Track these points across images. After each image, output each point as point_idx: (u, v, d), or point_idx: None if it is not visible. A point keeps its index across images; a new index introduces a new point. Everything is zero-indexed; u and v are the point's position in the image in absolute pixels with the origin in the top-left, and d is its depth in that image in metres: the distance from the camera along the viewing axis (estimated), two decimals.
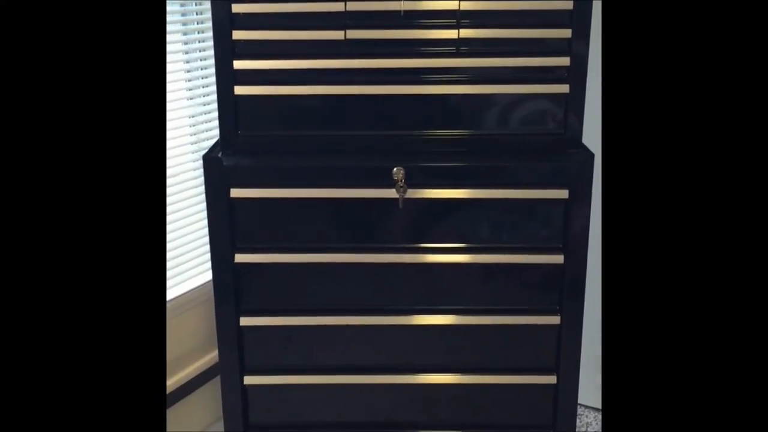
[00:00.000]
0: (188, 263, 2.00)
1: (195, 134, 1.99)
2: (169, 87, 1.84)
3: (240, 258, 1.50)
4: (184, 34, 1.92)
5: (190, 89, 1.96)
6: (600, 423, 2.18)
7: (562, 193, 1.45)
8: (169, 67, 1.84)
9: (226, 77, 1.44)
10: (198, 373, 2.02)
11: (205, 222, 1.50)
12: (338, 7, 1.40)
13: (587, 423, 2.19)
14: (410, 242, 1.51)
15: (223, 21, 1.41)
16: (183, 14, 1.91)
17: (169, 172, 1.85)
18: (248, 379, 1.59)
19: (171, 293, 1.93)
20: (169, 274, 1.92)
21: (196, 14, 1.96)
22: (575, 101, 1.45)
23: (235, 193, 1.46)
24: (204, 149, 1.55)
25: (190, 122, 1.97)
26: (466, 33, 1.41)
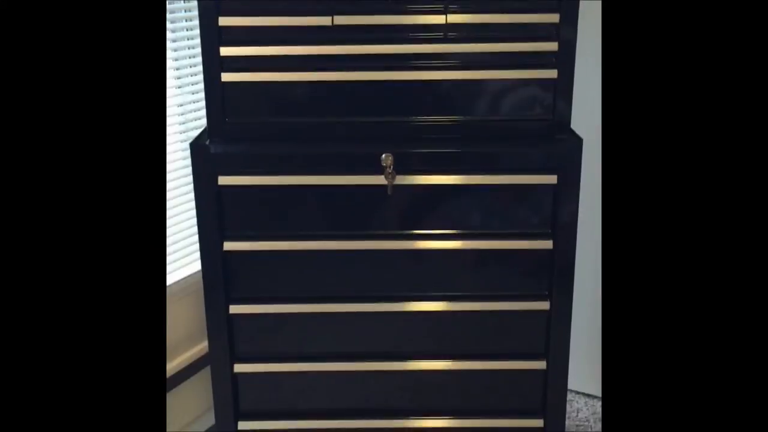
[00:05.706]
0: (177, 253, 1.99)
1: (184, 123, 1.97)
2: None
3: (229, 246, 1.50)
4: (172, 22, 1.90)
5: (179, 77, 1.94)
6: (590, 408, 2.19)
7: (551, 179, 1.45)
8: None
9: (212, 64, 1.44)
10: (188, 363, 2.01)
11: (195, 211, 1.49)
12: None
13: (577, 409, 2.20)
14: (399, 229, 1.50)
15: (210, 7, 1.40)
16: (170, 1, 1.89)
17: None
18: (238, 367, 1.59)
19: None
20: None
21: (183, 1, 1.94)
22: (563, 86, 1.45)
23: (223, 180, 1.46)
24: (193, 138, 1.54)
25: (179, 111, 1.95)
26: (454, 18, 1.41)
